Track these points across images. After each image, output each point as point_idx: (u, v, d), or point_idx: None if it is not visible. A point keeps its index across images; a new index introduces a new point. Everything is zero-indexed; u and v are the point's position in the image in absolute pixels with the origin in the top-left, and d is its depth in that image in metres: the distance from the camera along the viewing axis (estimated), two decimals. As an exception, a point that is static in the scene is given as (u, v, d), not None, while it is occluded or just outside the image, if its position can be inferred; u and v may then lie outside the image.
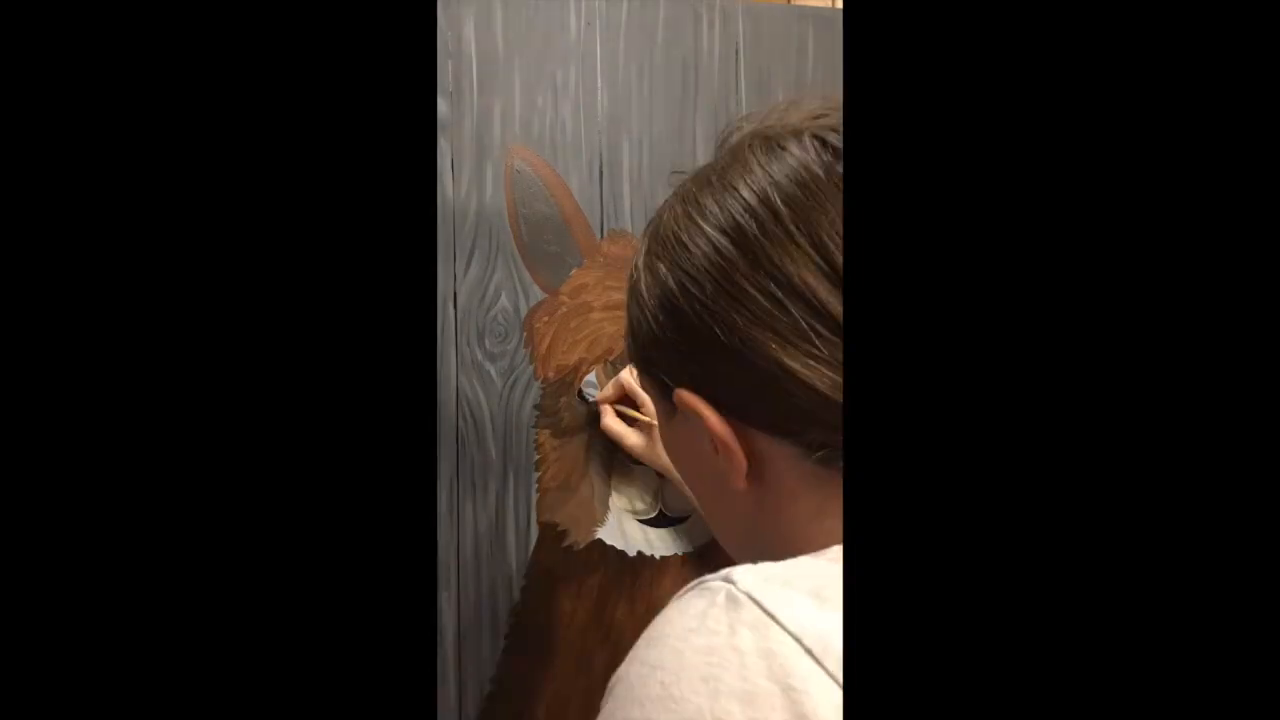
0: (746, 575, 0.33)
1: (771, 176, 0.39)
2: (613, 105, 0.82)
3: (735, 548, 0.49)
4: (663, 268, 0.41)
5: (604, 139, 0.82)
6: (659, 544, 0.84)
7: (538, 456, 0.81)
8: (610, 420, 0.80)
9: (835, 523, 0.38)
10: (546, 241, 0.81)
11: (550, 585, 0.82)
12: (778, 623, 0.31)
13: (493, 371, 0.80)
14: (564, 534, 0.82)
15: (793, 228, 0.37)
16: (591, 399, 0.81)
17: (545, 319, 0.81)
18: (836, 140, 0.39)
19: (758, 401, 0.39)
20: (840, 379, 0.37)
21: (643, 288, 0.43)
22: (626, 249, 0.83)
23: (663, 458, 0.78)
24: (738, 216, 0.39)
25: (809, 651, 0.30)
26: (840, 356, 0.37)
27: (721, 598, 0.33)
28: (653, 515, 0.83)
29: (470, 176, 0.79)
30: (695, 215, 0.41)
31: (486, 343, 0.80)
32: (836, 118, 0.41)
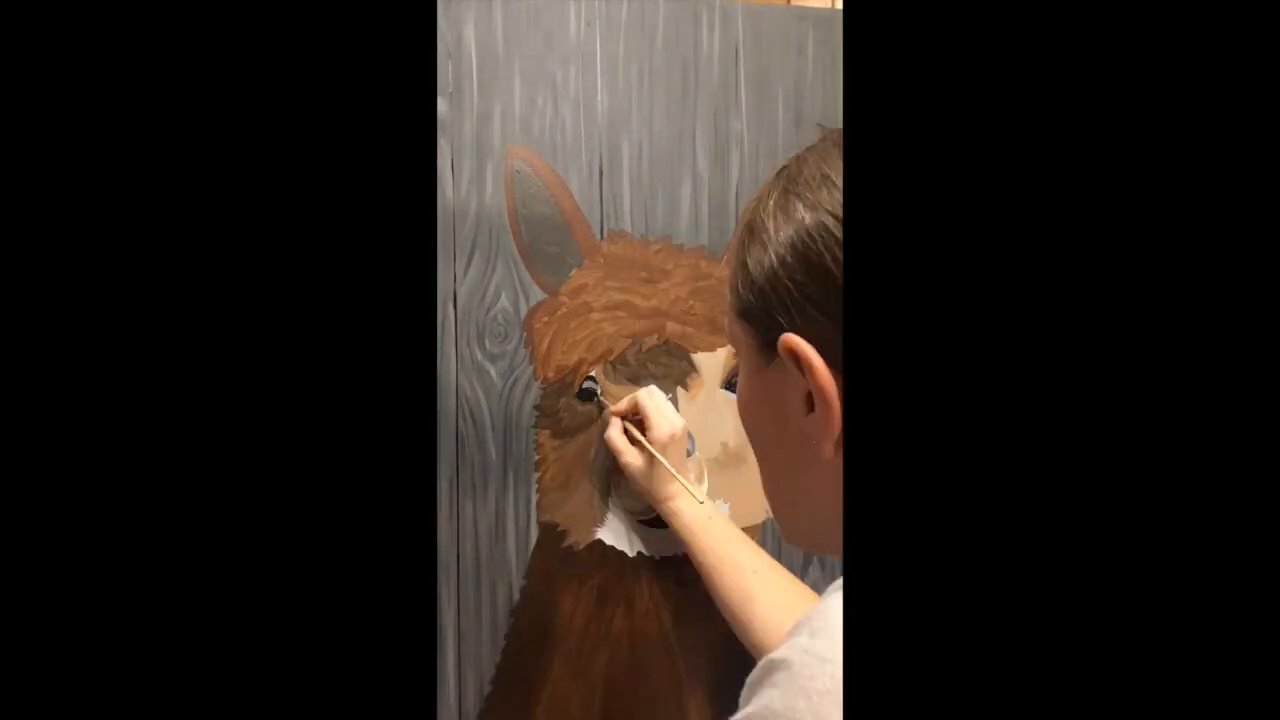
0: None
1: None
2: (613, 105, 0.82)
3: (801, 532, 0.47)
4: (801, 207, 0.41)
5: (604, 139, 0.82)
6: (659, 544, 0.84)
7: (538, 456, 0.81)
8: (615, 434, 0.80)
9: None
10: (546, 241, 0.80)
11: (550, 585, 0.82)
12: None
13: (493, 372, 0.80)
14: (564, 534, 0.82)
15: None
16: (596, 395, 0.81)
17: (545, 319, 0.81)
18: None
19: None
20: None
21: (770, 227, 0.42)
22: (626, 249, 0.83)
23: (655, 486, 0.77)
24: None
25: None
26: None
27: None
28: (653, 515, 0.83)
29: (470, 177, 0.79)
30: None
31: (486, 343, 0.80)
32: None
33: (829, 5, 1.00)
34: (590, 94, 0.82)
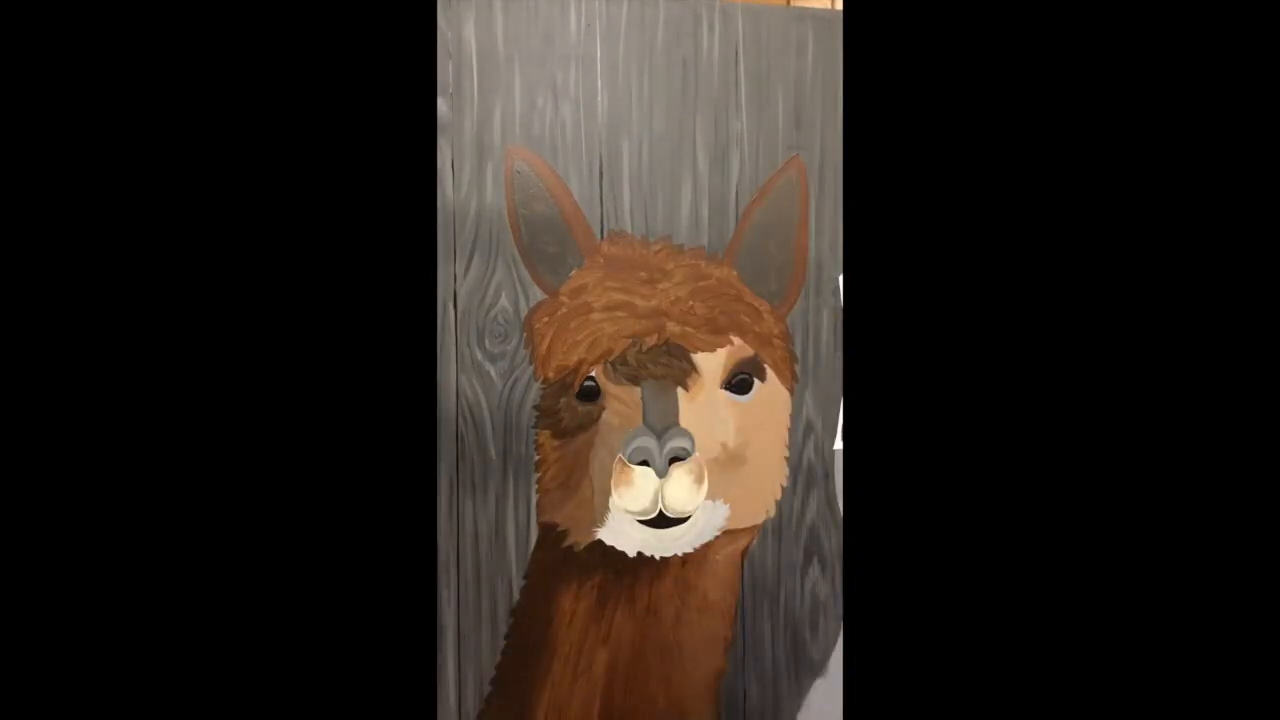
0: None
1: None
2: (613, 105, 0.82)
3: None
4: None
5: (604, 139, 0.82)
6: (659, 544, 0.84)
7: (538, 457, 0.81)
8: None
9: None
10: (546, 242, 0.81)
11: (550, 585, 0.82)
12: None
13: (493, 372, 0.80)
14: (564, 534, 0.82)
15: None
16: (596, 395, 0.81)
17: (545, 319, 0.81)
18: None
19: None
20: None
21: None
22: (626, 249, 0.83)
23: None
24: None
25: None
26: None
27: None
28: (653, 515, 0.83)
29: (470, 177, 0.79)
30: None
31: (486, 343, 0.80)
32: None
33: (829, 5, 1.00)
34: (590, 94, 0.82)
